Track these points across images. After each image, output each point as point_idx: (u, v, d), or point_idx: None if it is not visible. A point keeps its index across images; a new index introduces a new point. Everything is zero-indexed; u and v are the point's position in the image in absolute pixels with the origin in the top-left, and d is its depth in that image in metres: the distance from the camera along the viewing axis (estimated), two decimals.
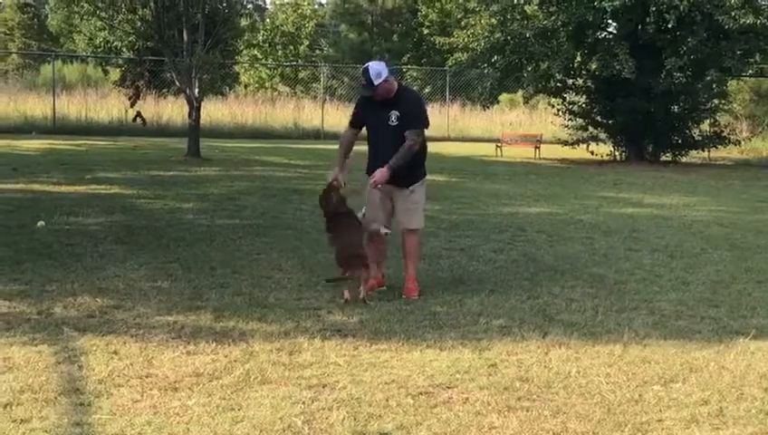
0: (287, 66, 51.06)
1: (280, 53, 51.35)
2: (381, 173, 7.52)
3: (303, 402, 4.85)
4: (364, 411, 4.77)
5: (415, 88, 46.66)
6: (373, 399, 4.96)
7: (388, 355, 5.78)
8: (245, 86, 50.64)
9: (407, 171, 7.63)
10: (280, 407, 4.78)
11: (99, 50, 44.28)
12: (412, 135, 7.54)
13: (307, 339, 6.05)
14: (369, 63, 7.67)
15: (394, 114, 7.59)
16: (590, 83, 28.42)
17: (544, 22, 26.45)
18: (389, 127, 7.61)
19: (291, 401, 4.86)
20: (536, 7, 27.46)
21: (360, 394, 5.02)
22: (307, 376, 5.29)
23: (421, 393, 5.07)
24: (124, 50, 39.40)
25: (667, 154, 28.04)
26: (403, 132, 7.55)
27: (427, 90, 44.79)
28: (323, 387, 5.12)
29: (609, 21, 27.52)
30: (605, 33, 27.99)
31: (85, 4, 24.28)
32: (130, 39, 34.66)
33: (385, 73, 7.51)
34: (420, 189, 7.83)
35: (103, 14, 24.59)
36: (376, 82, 7.49)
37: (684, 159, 28.12)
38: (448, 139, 34.52)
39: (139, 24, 23.92)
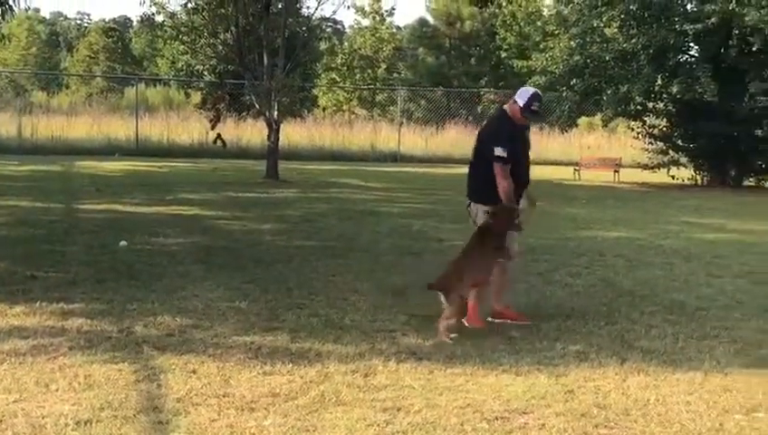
0: (365, 89, 51.40)
1: (358, 76, 51.74)
2: None
3: (378, 425, 4.85)
4: None
5: (492, 111, 46.63)
6: (448, 423, 4.93)
7: (463, 379, 5.75)
8: (323, 109, 51.13)
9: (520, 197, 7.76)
10: (354, 429, 4.78)
11: (181, 73, 45.17)
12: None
13: (382, 361, 6.05)
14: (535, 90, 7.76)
15: (527, 132, 7.80)
16: (670, 107, 28.02)
17: (624, 45, 26.25)
18: (525, 153, 7.74)
19: (365, 424, 4.86)
20: (616, 30, 27.24)
21: (434, 418, 4.99)
22: (382, 399, 5.29)
23: (497, 418, 5.03)
24: (205, 73, 40.12)
25: (751, 179, 27.50)
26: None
27: None
28: (398, 410, 5.10)
29: (691, 44, 27.17)
30: (687, 56, 27.63)
31: (168, 29, 24.79)
32: (212, 63, 35.29)
33: None
34: None
35: (185, 39, 25.06)
36: None
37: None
38: None
39: (220, 47, 24.34)
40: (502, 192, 7.37)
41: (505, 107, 7.77)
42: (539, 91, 7.76)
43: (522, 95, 7.58)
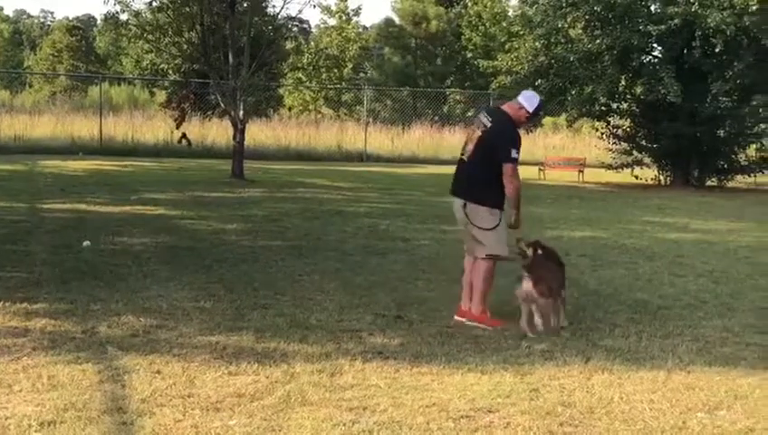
0: (331, 89, 51.35)
1: (324, 75, 51.63)
2: None
3: (344, 425, 4.85)
4: None
5: (458, 111, 46.80)
6: (414, 422, 4.94)
7: (429, 378, 5.77)
8: (289, 108, 51.02)
9: None
10: (320, 429, 4.78)
11: (145, 72, 44.88)
12: None
13: (348, 361, 6.05)
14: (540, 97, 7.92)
15: None
16: (634, 107, 28.27)
17: (588, 45, 26.44)
18: None
19: (331, 424, 4.85)
20: (580, 31, 27.42)
21: (400, 417, 5.00)
22: (348, 398, 5.29)
23: (462, 417, 5.05)
24: (170, 72, 39.88)
25: (713, 179, 27.78)
26: None
27: (470, 113, 44.80)
28: (364, 409, 5.11)
29: (655, 45, 27.39)
30: (650, 57, 27.85)
31: (132, 28, 24.62)
32: (177, 61, 35.11)
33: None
34: None
35: (150, 37, 24.89)
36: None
37: (730, 184, 27.81)
38: None
39: (185, 46, 24.22)
40: (514, 190, 7.63)
41: (506, 109, 7.79)
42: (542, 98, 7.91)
43: (530, 101, 7.70)
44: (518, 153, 7.59)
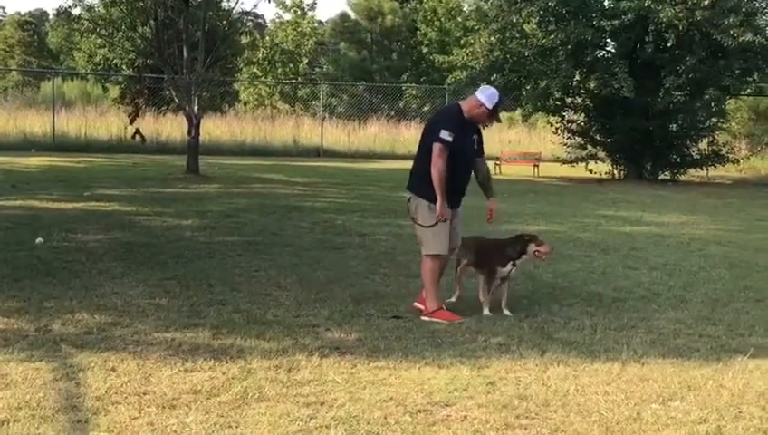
0: (286, 84, 51.17)
1: (279, 70, 51.47)
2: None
3: (301, 420, 4.84)
4: (362, 429, 4.75)
5: (413, 106, 46.83)
6: (371, 417, 4.94)
7: (386, 373, 5.77)
8: (245, 103, 50.77)
9: (463, 193, 7.71)
10: (278, 424, 4.76)
11: (98, 67, 44.41)
12: (484, 159, 7.75)
13: (305, 356, 6.04)
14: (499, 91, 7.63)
15: (475, 138, 7.60)
16: (588, 102, 28.51)
17: (543, 41, 26.63)
18: (473, 151, 7.59)
19: (289, 419, 4.84)
20: (535, 26, 27.60)
21: (358, 412, 5.00)
22: (305, 394, 5.28)
23: (419, 411, 5.06)
24: (124, 67, 39.51)
25: (666, 172, 28.11)
26: (476, 157, 7.63)
27: (425, 108, 44.86)
28: (321, 405, 5.10)
29: (608, 40, 27.67)
30: (604, 51, 28.12)
31: (85, 22, 24.37)
32: (130, 56, 34.76)
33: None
34: None
35: (103, 32, 24.68)
36: None
37: (682, 178, 28.18)
38: None
39: (138, 41, 24.01)
40: (436, 172, 7.23)
41: (461, 103, 7.61)
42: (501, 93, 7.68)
43: (490, 97, 7.41)
44: (450, 136, 7.22)
